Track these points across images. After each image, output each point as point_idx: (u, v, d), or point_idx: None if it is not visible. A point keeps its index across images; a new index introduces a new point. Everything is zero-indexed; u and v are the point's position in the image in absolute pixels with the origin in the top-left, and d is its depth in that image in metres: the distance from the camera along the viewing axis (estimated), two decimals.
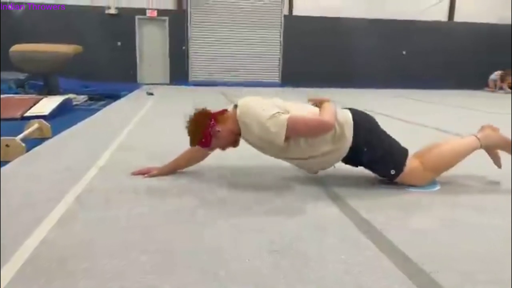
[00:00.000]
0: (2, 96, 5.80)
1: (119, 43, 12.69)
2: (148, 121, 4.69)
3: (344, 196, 2.06)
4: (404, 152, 2.20)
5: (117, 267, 1.30)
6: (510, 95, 11.50)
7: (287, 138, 2.01)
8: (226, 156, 2.43)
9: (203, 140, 2.17)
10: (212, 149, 2.28)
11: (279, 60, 13.50)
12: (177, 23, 12.81)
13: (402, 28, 13.83)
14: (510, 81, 12.54)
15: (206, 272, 1.28)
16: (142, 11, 12.79)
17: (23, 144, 3.01)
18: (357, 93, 9.91)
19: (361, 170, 2.29)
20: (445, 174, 2.27)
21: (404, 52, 14.09)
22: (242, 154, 2.51)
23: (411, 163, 2.19)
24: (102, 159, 2.71)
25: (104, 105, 6.48)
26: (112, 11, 12.54)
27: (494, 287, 1.25)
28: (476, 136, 2.27)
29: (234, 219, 1.75)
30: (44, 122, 3.90)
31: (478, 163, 2.38)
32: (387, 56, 13.81)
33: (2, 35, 10.64)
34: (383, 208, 1.92)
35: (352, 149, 2.14)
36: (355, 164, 2.27)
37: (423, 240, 1.55)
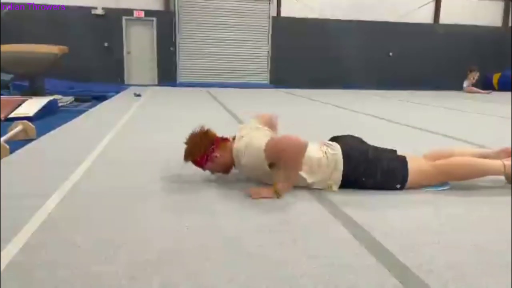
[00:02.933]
0: None
1: (106, 44, 12.58)
2: (134, 123, 4.66)
3: (331, 195, 2.07)
4: (400, 162, 2.18)
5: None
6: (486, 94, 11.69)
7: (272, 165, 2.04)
8: None
9: (199, 159, 2.21)
10: (204, 170, 2.29)
11: (268, 61, 13.53)
12: (165, 24, 12.75)
13: (388, 30, 13.96)
14: (473, 79, 12.67)
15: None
16: (129, 12, 12.70)
17: (7, 146, 2.96)
18: (344, 94, 9.97)
19: None
20: None
21: (390, 54, 14.22)
22: None
23: (417, 166, 2.18)
24: (86, 163, 2.68)
25: (91, 106, 6.42)
26: (99, 11, 12.43)
27: (483, 279, 1.26)
28: (505, 164, 2.22)
29: (215, 219, 1.74)
30: (29, 123, 3.85)
31: None
32: (374, 57, 13.93)
33: None
34: (372, 206, 1.93)
35: (350, 180, 2.14)
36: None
37: (414, 239, 1.57)
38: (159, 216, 1.76)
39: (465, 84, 12.72)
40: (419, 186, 2.19)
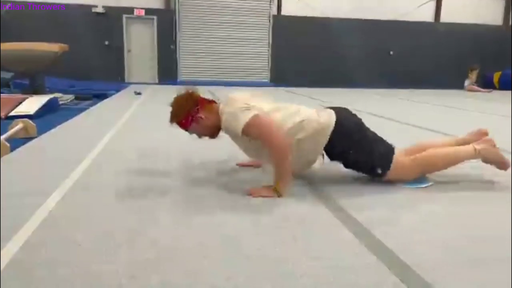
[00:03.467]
0: None
1: (106, 42, 12.57)
2: (135, 121, 4.66)
3: (331, 194, 2.07)
4: (390, 150, 2.21)
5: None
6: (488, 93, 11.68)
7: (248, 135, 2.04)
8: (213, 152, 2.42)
9: (183, 121, 2.18)
10: (189, 132, 2.26)
11: (268, 60, 13.52)
12: (165, 22, 12.74)
13: (389, 29, 13.94)
14: (474, 78, 12.66)
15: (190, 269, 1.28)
16: (130, 10, 12.69)
17: (8, 144, 2.97)
18: (345, 93, 9.97)
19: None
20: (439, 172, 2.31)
21: (391, 53, 14.21)
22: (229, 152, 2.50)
23: (400, 160, 2.19)
24: (86, 161, 2.69)
25: (91, 105, 6.42)
26: (99, 9, 12.42)
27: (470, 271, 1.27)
28: (475, 148, 2.25)
29: (214, 217, 1.74)
30: (30, 121, 3.85)
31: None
32: (374, 56, 13.92)
33: None
34: (371, 205, 1.93)
35: (337, 150, 2.15)
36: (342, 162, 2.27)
37: (411, 237, 1.57)
38: (159, 214, 1.76)
39: (466, 82, 12.72)
40: (398, 179, 2.20)
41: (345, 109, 2.31)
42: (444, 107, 7.21)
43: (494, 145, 2.30)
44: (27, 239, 1.47)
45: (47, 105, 5.51)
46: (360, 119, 2.28)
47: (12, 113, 4.91)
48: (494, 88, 13.12)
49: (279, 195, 2.00)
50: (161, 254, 1.38)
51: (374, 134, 2.26)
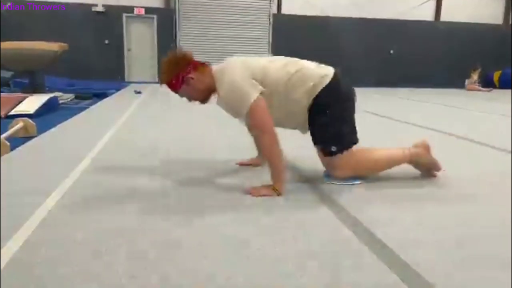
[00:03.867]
0: None
1: (106, 41, 12.57)
2: (134, 120, 4.66)
3: (331, 193, 2.07)
4: (353, 140, 2.20)
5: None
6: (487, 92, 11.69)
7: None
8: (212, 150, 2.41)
9: (174, 81, 2.12)
10: (180, 95, 2.21)
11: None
12: (165, 21, 12.74)
13: (389, 28, 13.94)
14: (475, 78, 12.67)
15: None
16: (130, 9, 12.69)
17: (8, 143, 2.96)
18: None
19: None
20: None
21: (391, 51, 14.20)
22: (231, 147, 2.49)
23: (352, 154, 2.18)
24: (86, 160, 2.69)
25: (91, 104, 6.42)
26: (99, 8, 12.42)
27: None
28: (408, 150, 2.29)
29: (214, 217, 1.74)
30: (29, 120, 3.85)
31: None
32: (374, 55, 13.92)
33: None
34: (371, 204, 1.93)
35: (319, 106, 2.13)
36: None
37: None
38: (159, 214, 1.76)
39: (466, 82, 12.72)
40: (337, 169, 2.19)
41: (347, 79, 2.29)
42: (444, 106, 7.21)
43: (427, 148, 2.32)
44: (27, 238, 1.46)
45: (47, 104, 5.51)
46: (355, 97, 2.27)
47: (12, 112, 4.91)
48: (494, 87, 13.13)
49: (278, 194, 2.00)
50: (161, 253, 1.38)
51: (353, 120, 2.23)
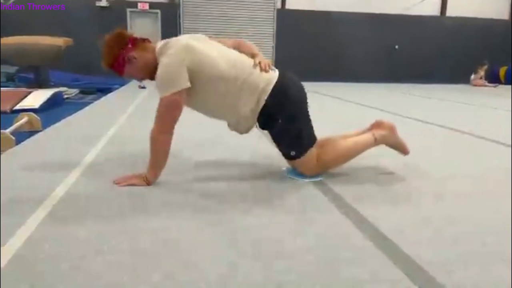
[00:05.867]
0: None
1: None
2: (138, 115, 4.67)
3: (333, 187, 2.06)
4: (312, 141, 2.17)
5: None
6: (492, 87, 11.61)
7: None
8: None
9: (115, 63, 2.04)
10: (126, 76, 2.15)
11: (273, 53, 13.47)
12: (169, 16, 12.71)
13: (394, 23, 13.85)
14: (482, 73, 12.58)
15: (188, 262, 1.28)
16: (134, 4, 12.68)
17: (13, 137, 2.97)
18: (349, 87, 9.93)
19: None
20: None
21: (396, 47, 14.12)
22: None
23: (313, 153, 2.17)
24: (90, 155, 2.69)
25: (95, 99, 6.43)
26: (103, 3, 12.41)
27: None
28: (373, 135, 2.26)
29: (215, 214, 1.74)
30: (34, 115, 3.86)
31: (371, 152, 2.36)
32: (379, 50, 13.84)
33: None
34: (376, 199, 1.92)
35: (269, 114, 2.08)
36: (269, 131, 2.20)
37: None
38: (161, 209, 1.76)
39: (472, 77, 12.64)
40: (300, 169, 2.19)
41: (295, 79, 2.21)
42: (449, 101, 7.16)
43: (392, 129, 2.30)
44: (30, 234, 1.47)
45: (51, 99, 5.52)
46: (305, 96, 2.20)
47: (17, 107, 4.92)
48: (500, 82, 13.03)
49: (148, 183, 2.00)
50: (163, 250, 1.38)
51: (308, 119, 2.19)
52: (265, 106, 2.07)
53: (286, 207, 1.82)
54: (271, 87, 2.06)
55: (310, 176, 2.19)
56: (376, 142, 2.26)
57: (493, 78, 13.20)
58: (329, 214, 1.76)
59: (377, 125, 2.33)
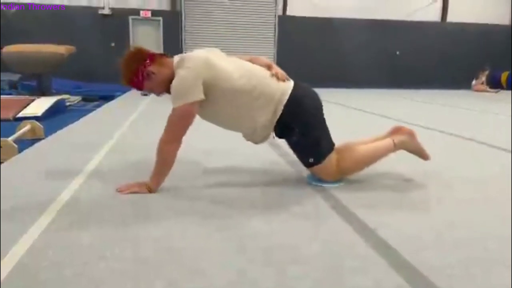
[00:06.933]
0: None
1: (112, 44, 12.62)
2: (141, 123, 4.68)
3: (336, 194, 2.06)
4: (330, 147, 2.19)
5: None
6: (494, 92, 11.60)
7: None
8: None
9: (134, 79, 2.09)
10: (146, 92, 2.19)
11: (274, 60, 13.50)
12: (171, 24, 12.77)
13: (395, 29, 13.88)
14: (484, 79, 12.56)
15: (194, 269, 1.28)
16: (136, 12, 12.75)
17: (16, 145, 2.99)
18: (351, 93, 9.94)
19: None
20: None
21: (397, 53, 14.14)
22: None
23: (331, 159, 2.18)
24: (93, 162, 2.70)
25: (98, 106, 6.46)
26: (106, 11, 12.49)
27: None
28: (393, 141, 2.28)
29: (219, 220, 1.74)
30: (37, 123, 3.88)
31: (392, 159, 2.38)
32: (381, 56, 13.86)
33: None
34: (378, 206, 1.92)
35: (286, 124, 2.12)
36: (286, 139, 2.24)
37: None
38: (164, 216, 1.76)
39: (473, 82, 12.64)
40: (319, 175, 2.21)
41: (309, 88, 2.26)
42: (450, 107, 7.16)
43: (412, 135, 2.32)
44: (33, 242, 1.47)
45: (54, 107, 5.55)
46: (320, 103, 2.24)
47: (20, 115, 4.95)
48: (501, 88, 13.01)
49: (150, 191, 2.01)
50: (166, 257, 1.38)
51: (325, 125, 2.22)
52: (281, 115, 2.11)
53: (293, 214, 1.83)
54: (287, 97, 2.11)
55: (331, 182, 2.21)
56: (396, 147, 2.28)
57: (494, 84, 13.17)
58: (332, 221, 1.76)
59: (396, 130, 2.36)
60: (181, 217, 1.75)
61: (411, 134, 2.33)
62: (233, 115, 2.15)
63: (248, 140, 2.31)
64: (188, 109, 2.00)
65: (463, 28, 14.16)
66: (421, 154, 2.37)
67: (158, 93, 2.20)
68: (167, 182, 2.10)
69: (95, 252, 1.41)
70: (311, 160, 2.18)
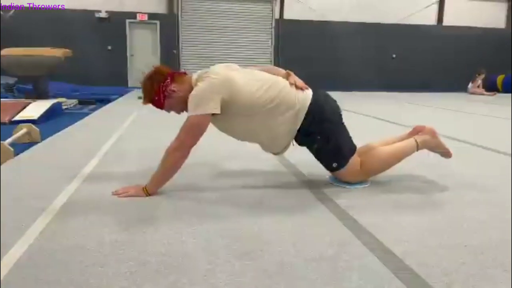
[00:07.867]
0: None
1: (109, 47, 12.62)
2: (138, 126, 4.67)
3: (332, 196, 2.07)
4: (352, 150, 2.22)
5: None
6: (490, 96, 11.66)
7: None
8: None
9: (156, 98, 2.11)
10: (166, 110, 2.21)
11: (271, 63, 13.53)
12: (168, 27, 12.79)
13: (391, 32, 13.95)
14: (480, 82, 12.61)
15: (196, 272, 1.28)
16: (133, 15, 12.76)
17: (12, 149, 2.97)
18: (347, 96, 9.96)
19: None
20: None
21: (394, 56, 14.21)
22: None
23: (355, 161, 2.21)
24: (90, 165, 2.69)
25: (94, 109, 6.44)
26: (103, 14, 12.49)
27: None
28: (415, 140, 2.30)
29: (218, 223, 1.74)
30: (33, 126, 3.86)
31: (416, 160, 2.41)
32: (377, 59, 13.92)
33: None
34: (375, 208, 1.92)
35: (307, 132, 2.15)
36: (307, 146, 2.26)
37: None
38: (165, 218, 1.76)
39: (469, 85, 12.69)
40: (344, 179, 2.24)
41: (327, 95, 2.30)
42: (446, 110, 7.19)
43: (434, 134, 2.35)
44: (31, 244, 1.46)
45: (50, 110, 5.52)
46: (339, 107, 2.27)
47: (16, 118, 4.92)
48: (497, 91, 13.08)
49: (147, 194, 2.01)
50: (168, 260, 1.38)
51: (345, 129, 2.25)
52: (302, 123, 2.13)
53: (295, 216, 1.82)
54: (307, 105, 2.12)
55: (356, 183, 2.23)
56: (419, 147, 2.31)
57: (490, 87, 13.25)
58: (328, 222, 1.76)
59: (417, 130, 2.38)
60: (183, 220, 1.74)
61: (433, 133, 2.36)
62: (251, 127, 2.16)
63: (267, 151, 2.33)
64: (201, 119, 2.02)
65: (459, 31, 14.25)
66: (444, 152, 2.40)
67: (179, 111, 2.22)
68: (167, 184, 2.09)
69: (93, 254, 1.40)
70: (334, 165, 2.20)
